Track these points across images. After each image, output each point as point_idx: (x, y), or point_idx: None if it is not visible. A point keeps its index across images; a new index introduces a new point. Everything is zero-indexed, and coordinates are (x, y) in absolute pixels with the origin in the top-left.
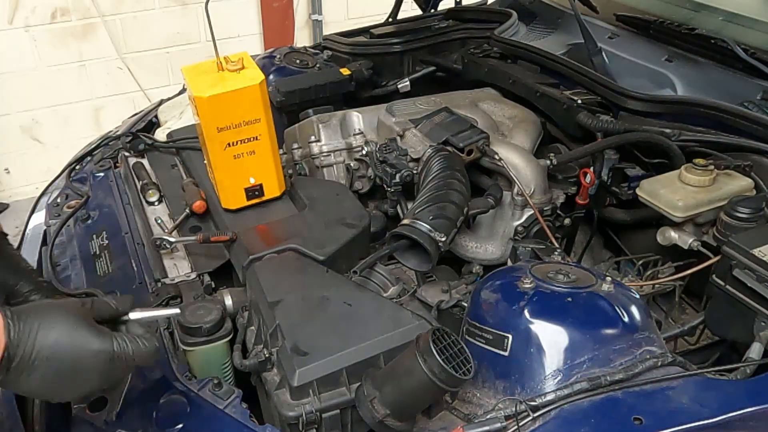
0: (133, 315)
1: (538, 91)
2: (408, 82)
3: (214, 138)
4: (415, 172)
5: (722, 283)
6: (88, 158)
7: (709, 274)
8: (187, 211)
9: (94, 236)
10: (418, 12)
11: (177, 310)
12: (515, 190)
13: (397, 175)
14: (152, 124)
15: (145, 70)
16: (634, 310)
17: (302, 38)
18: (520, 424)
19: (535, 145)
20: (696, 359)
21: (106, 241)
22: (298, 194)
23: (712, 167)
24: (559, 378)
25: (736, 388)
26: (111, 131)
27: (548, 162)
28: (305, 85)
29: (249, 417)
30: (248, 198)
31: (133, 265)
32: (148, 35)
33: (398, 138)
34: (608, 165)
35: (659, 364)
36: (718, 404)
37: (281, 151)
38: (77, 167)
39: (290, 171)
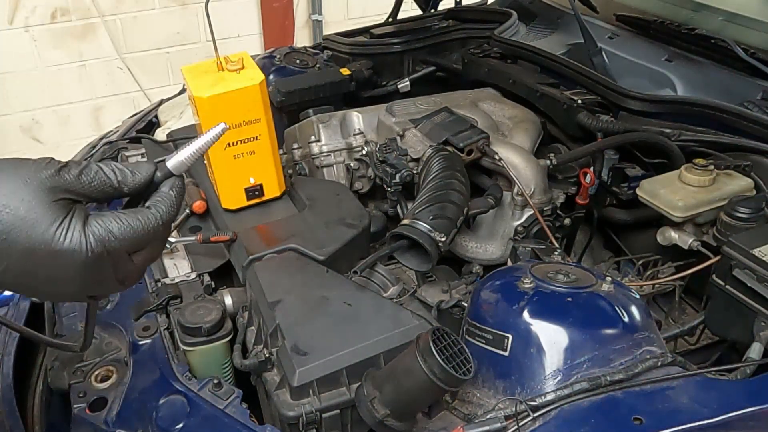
0: (180, 154)
1: (538, 91)
2: (408, 82)
3: None
4: (415, 172)
5: (722, 283)
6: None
7: (709, 274)
8: (187, 211)
9: None
10: (418, 12)
11: (223, 126)
12: (515, 190)
13: (397, 175)
14: (152, 124)
15: (145, 70)
16: (634, 310)
17: (302, 38)
18: (520, 424)
19: (535, 145)
20: (696, 359)
21: None
22: (298, 194)
23: (712, 167)
24: (559, 378)
25: (736, 388)
26: (111, 131)
27: (548, 162)
28: (305, 85)
29: (249, 417)
30: (248, 198)
31: None
32: (148, 35)
33: (398, 138)
34: (608, 165)
35: (659, 364)
36: (718, 404)
37: (281, 151)
38: None
39: (290, 171)
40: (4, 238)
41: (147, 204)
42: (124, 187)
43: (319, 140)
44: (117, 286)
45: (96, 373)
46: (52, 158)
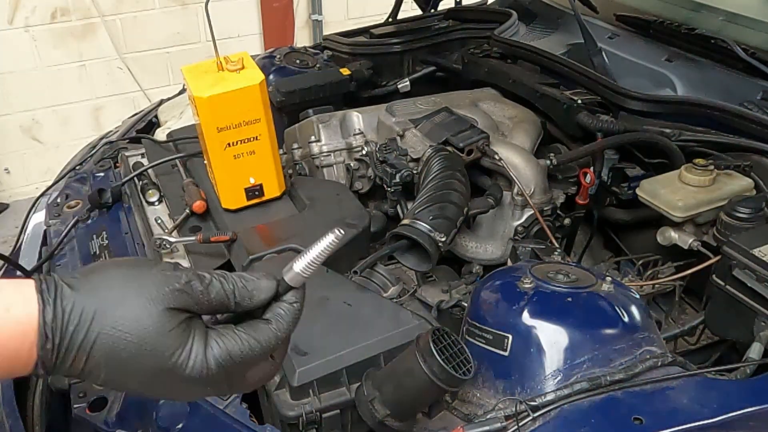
0: (296, 267)
1: (538, 91)
2: (408, 82)
3: (214, 138)
4: (415, 172)
5: (722, 283)
6: (88, 158)
7: (709, 274)
8: (187, 211)
9: (94, 236)
10: (418, 12)
11: (337, 233)
12: (515, 190)
13: (397, 175)
14: (152, 124)
15: (145, 70)
16: (634, 310)
17: (302, 38)
18: (520, 424)
19: (535, 145)
20: (696, 359)
21: (106, 242)
22: (298, 194)
23: (712, 167)
24: (559, 378)
25: (736, 388)
26: (111, 131)
27: (548, 162)
28: (305, 85)
29: (249, 417)
30: (248, 198)
31: None
32: (148, 35)
33: (398, 138)
34: (608, 165)
35: (659, 364)
36: (718, 404)
37: (281, 151)
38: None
39: (290, 171)
40: (127, 365)
41: (266, 316)
42: (239, 308)
43: (319, 140)
44: (224, 394)
45: None
46: (174, 265)
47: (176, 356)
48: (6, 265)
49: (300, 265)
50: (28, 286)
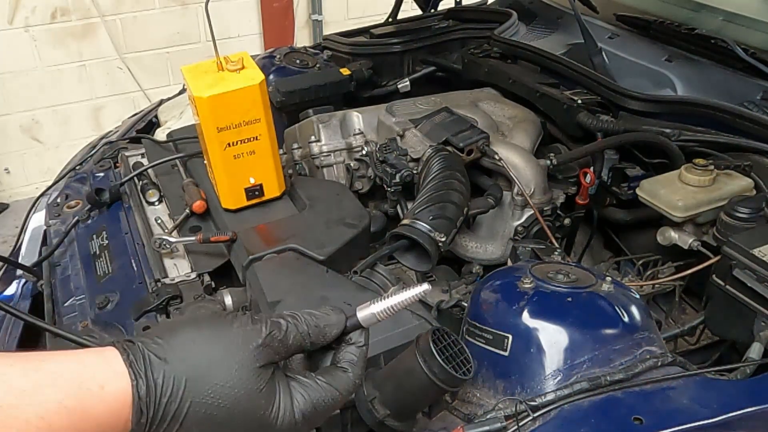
0: (374, 308)
1: (538, 91)
2: (408, 82)
3: (214, 138)
4: (415, 172)
5: (722, 283)
6: (88, 158)
7: (709, 274)
8: (187, 211)
9: (94, 236)
10: (418, 12)
11: (426, 287)
12: (515, 190)
13: (397, 175)
14: (152, 124)
15: (145, 70)
16: (634, 310)
17: (302, 38)
18: (520, 424)
19: (535, 145)
20: (696, 359)
21: (106, 241)
22: (298, 194)
23: (712, 167)
24: (559, 378)
25: (736, 388)
26: (111, 131)
27: (548, 162)
28: (305, 85)
29: None
30: (248, 198)
31: (133, 265)
32: (148, 35)
33: (398, 138)
34: (608, 165)
35: (659, 364)
36: (718, 404)
37: (281, 151)
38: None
39: (290, 171)
40: (220, 428)
41: (342, 364)
42: (314, 348)
43: (319, 140)
44: None
45: None
46: (250, 317)
47: (267, 414)
48: (6, 264)
49: (378, 307)
50: (115, 357)
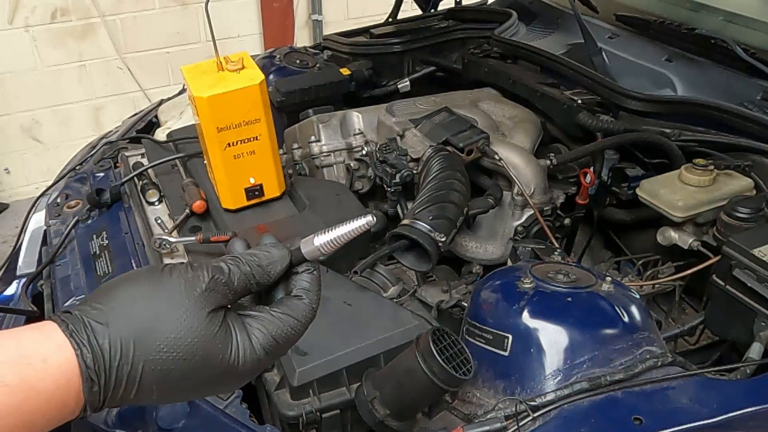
0: (317, 241)
1: (538, 91)
2: (408, 82)
3: (214, 138)
4: (415, 172)
5: (722, 283)
6: (88, 158)
7: (709, 274)
8: (187, 211)
9: (94, 236)
10: (418, 12)
11: (368, 219)
12: (515, 190)
13: (397, 175)
14: (152, 124)
15: (145, 70)
16: (634, 310)
17: (302, 38)
18: (520, 424)
19: (535, 145)
20: (696, 359)
21: (106, 241)
22: (298, 194)
23: (712, 167)
24: (559, 378)
25: (736, 388)
26: (111, 131)
27: (548, 162)
28: (305, 85)
29: (249, 417)
30: (248, 198)
31: (134, 265)
32: (148, 35)
33: (398, 138)
34: (608, 165)
35: (659, 364)
36: (718, 404)
37: (281, 151)
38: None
39: (290, 171)
40: (180, 381)
41: (295, 292)
42: (260, 287)
43: (319, 140)
44: None
45: None
46: (188, 265)
47: (227, 357)
48: (6, 264)
49: (322, 239)
50: (54, 330)
